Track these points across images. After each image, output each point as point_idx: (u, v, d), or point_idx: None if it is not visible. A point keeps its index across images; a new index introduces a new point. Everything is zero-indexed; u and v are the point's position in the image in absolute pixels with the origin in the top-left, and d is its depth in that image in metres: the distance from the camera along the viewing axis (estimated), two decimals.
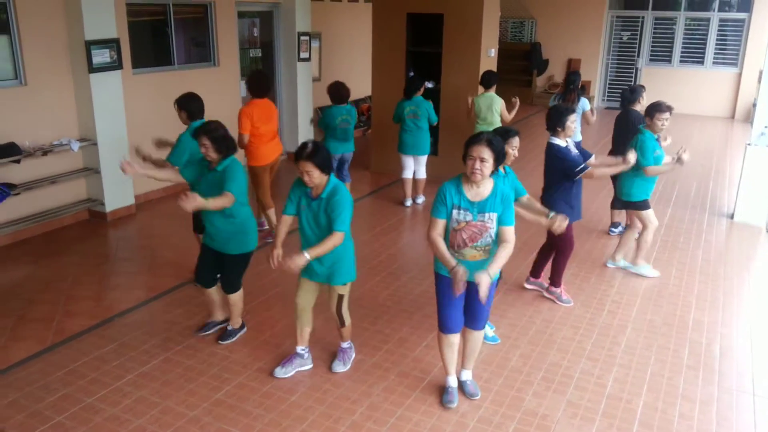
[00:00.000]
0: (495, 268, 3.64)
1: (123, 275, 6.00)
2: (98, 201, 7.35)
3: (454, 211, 3.69)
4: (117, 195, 7.45)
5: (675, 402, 4.14)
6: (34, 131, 6.73)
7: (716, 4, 14.72)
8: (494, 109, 7.47)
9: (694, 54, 15.08)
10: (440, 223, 3.74)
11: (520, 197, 4.52)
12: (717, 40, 14.78)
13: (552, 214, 4.41)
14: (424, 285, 5.72)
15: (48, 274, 5.94)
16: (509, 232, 3.71)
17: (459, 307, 3.90)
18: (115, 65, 7.13)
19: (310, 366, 4.45)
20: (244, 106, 6.31)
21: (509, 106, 7.64)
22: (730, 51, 14.73)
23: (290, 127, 10.33)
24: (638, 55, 15.61)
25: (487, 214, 3.66)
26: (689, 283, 5.91)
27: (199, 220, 5.32)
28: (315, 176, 3.82)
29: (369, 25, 9.44)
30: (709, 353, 4.74)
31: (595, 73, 15.95)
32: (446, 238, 3.79)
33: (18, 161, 6.44)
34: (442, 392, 4.16)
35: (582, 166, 5.03)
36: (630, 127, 6.32)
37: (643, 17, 15.40)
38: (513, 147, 4.40)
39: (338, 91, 7.04)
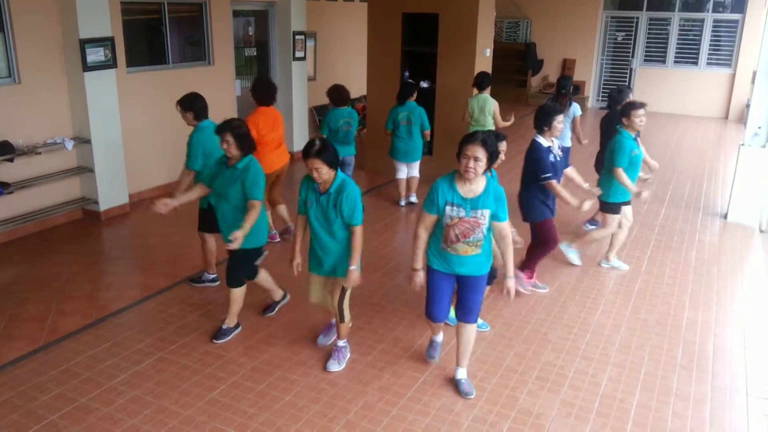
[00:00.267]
0: (512, 269, 3.99)
1: (117, 274, 5.98)
2: (92, 200, 7.33)
3: (447, 208, 3.79)
4: (111, 194, 7.43)
5: (668, 401, 4.16)
6: (27, 130, 6.70)
7: (710, 5, 14.79)
8: (487, 111, 7.45)
9: (688, 55, 15.14)
10: (429, 218, 3.88)
11: None
12: (711, 40, 14.85)
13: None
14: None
15: (42, 273, 5.92)
16: (506, 227, 3.89)
17: (446, 301, 4.10)
18: (110, 64, 7.11)
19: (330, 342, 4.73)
20: (250, 115, 6.26)
21: (504, 113, 7.61)
22: (724, 52, 14.80)
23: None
24: (633, 56, 15.66)
25: (479, 211, 3.77)
26: (683, 283, 5.94)
27: (204, 220, 5.32)
28: (324, 172, 3.93)
29: (364, 24, 9.43)
30: (702, 353, 4.76)
31: (590, 74, 16.00)
32: (439, 234, 3.88)
33: (11, 160, 6.41)
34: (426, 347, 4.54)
35: (547, 175, 5.11)
36: (617, 127, 6.36)
37: (637, 18, 15.45)
38: (502, 150, 4.51)
39: (339, 94, 7.00)
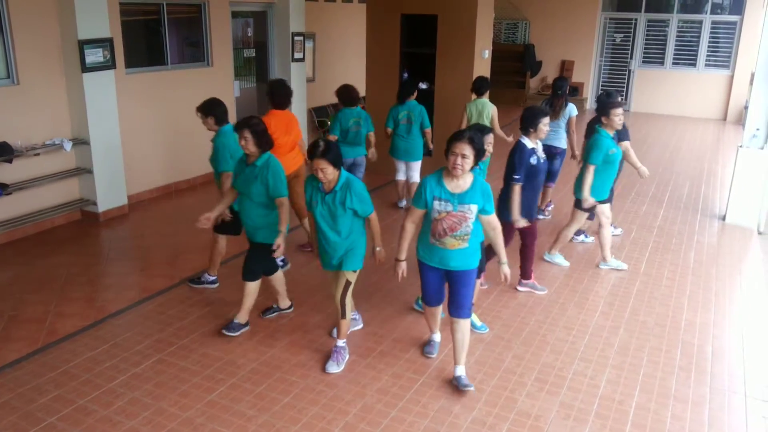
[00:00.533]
0: (504, 256, 4.22)
1: (115, 276, 5.97)
2: (91, 201, 7.32)
3: (435, 203, 3.93)
4: (109, 195, 7.42)
5: (667, 403, 4.17)
6: (26, 131, 6.69)
7: (708, 7, 14.81)
8: (485, 116, 7.42)
9: (687, 56, 15.16)
10: (417, 212, 4.08)
11: None
12: (709, 42, 14.87)
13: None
14: (418, 286, 5.70)
15: (40, 274, 5.91)
16: (494, 219, 4.07)
17: (440, 288, 4.29)
18: (108, 65, 7.11)
19: (361, 326, 4.99)
20: (263, 116, 6.23)
21: (502, 116, 7.57)
22: (722, 53, 14.82)
23: None
24: (631, 57, 15.68)
25: (467, 206, 3.90)
26: (681, 285, 5.94)
27: (222, 221, 5.28)
28: (329, 172, 4.03)
29: (363, 25, 9.45)
30: (701, 354, 4.76)
31: (588, 75, 16.02)
32: (428, 229, 4.07)
33: (10, 161, 6.40)
34: (424, 344, 4.68)
35: (516, 177, 5.20)
36: (595, 126, 6.39)
37: (636, 19, 15.47)
38: (487, 144, 4.72)
39: (349, 94, 6.96)
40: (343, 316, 4.40)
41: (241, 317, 4.86)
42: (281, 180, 4.52)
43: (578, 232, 7.08)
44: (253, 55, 10.13)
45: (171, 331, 4.91)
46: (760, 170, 7.40)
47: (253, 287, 4.79)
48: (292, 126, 6.19)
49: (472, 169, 3.92)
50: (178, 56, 8.58)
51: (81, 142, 7.09)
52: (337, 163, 4.05)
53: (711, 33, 14.83)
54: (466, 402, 4.11)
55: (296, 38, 9.97)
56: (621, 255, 6.54)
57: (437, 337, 4.68)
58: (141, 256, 6.42)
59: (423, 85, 8.90)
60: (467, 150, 3.81)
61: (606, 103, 5.91)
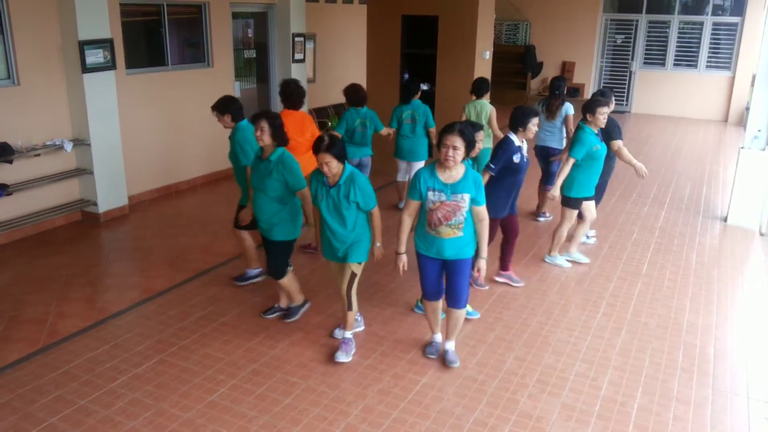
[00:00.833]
0: (485, 249, 4.30)
1: (116, 276, 5.96)
2: (91, 202, 7.31)
3: (430, 193, 4.07)
4: (110, 196, 7.42)
5: (669, 404, 4.15)
6: (26, 131, 6.69)
7: (709, 8, 14.80)
8: (483, 117, 7.40)
9: (688, 57, 15.16)
10: (412, 204, 4.22)
11: None
12: (710, 43, 14.87)
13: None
14: (419, 288, 5.69)
15: (40, 274, 5.90)
16: (483, 210, 4.18)
17: (438, 280, 4.38)
18: (109, 65, 7.10)
19: (363, 327, 4.98)
20: None
21: (501, 117, 7.58)
22: (723, 54, 14.81)
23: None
24: (632, 59, 15.68)
25: (459, 195, 4.04)
26: (683, 286, 5.93)
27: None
28: (333, 166, 4.15)
29: (364, 26, 9.44)
30: (703, 356, 4.75)
31: (589, 77, 16.01)
32: (423, 220, 4.19)
33: (10, 161, 6.40)
34: (425, 346, 4.71)
35: (492, 167, 5.27)
36: (579, 123, 6.39)
37: (637, 20, 15.46)
38: (478, 140, 4.80)
39: (356, 93, 6.93)
40: (350, 307, 4.49)
41: (296, 300, 5.07)
42: (297, 172, 4.58)
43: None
44: (254, 55, 10.12)
45: (172, 331, 4.90)
46: (762, 171, 7.39)
47: (286, 281, 4.92)
48: (306, 126, 6.14)
49: (463, 160, 4.07)
50: (178, 57, 8.57)
51: (81, 143, 7.08)
52: (341, 157, 4.16)
53: (712, 34, 14.82)
54: (467, 403, 4.10)
55: (297, 39, 9.97)
56: (623, 256, 6.54)
57: (439, 337, 4.71)
58: (141, 257, 6.41)
59: (424, 86, 8.87)
60: (458, 142, 3.94)
61: (595, 101, 5.93)
